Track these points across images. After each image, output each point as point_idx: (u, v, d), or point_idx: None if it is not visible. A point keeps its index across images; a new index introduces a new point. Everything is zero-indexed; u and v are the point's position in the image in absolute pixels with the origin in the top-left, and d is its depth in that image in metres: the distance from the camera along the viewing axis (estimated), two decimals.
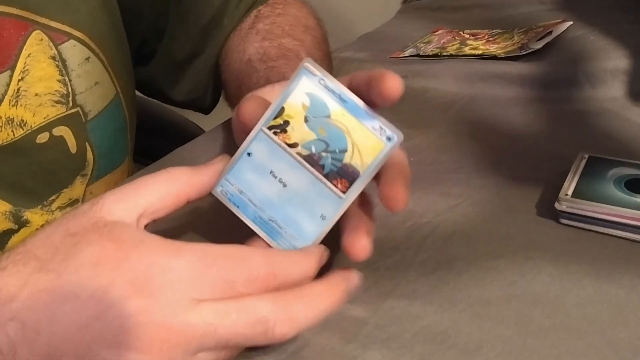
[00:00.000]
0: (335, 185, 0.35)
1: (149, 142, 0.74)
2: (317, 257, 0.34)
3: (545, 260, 0.40)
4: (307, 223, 0.35)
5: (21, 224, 0.53)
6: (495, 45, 0.72)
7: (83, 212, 0.33)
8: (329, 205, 0.35)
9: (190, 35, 0.63)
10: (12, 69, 0.48)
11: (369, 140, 0.35)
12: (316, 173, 0.35)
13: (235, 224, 0.36)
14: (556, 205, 0.42)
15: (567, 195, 0.42)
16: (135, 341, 0.29)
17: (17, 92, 0.49)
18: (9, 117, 0.49)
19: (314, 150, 0.35)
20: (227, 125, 0.60)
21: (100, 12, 0.54)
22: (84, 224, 0.32)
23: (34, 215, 0.53)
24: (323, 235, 0.35)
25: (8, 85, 0.48)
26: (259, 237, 0.36)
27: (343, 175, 0.35)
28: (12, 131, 0.49)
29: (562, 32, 0.71)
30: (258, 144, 0.36)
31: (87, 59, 0.53)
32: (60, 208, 0.55)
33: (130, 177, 0.57)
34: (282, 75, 0.50)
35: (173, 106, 0.72)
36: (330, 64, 0.61)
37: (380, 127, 0.35)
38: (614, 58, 0.63)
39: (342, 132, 0.35)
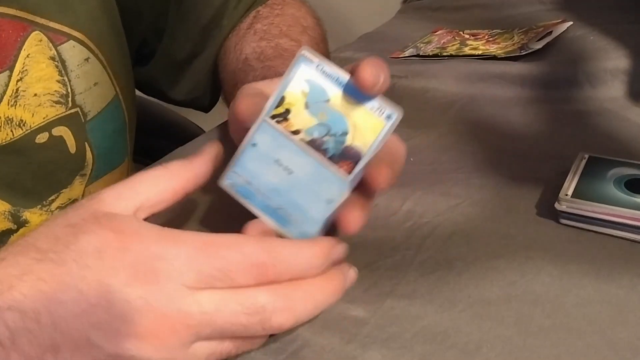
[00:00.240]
0: (339, 168, 0.36)
1: (149, 142, 0.74)
2: (322, 248, 0.33)
3: (545, 260, 0.40)
4: (314, 207, 0.36)
5: (20, 224, 0.53)
6: (495, 46, 0.72)
7: (82, 205, 0.33)
8: (335, 188, 0.36)
9: (190, 36, 0.63)
10: (11, 69, 0.48)
11: (369, 120, 0.35)
12: (320, 157, 0.36)
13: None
14: (556, 205, 0.42)
15: (567, 195, 0.42)
16: (134, 329, 0.29)
17: (16, 92, 0.49)
18: (8, 117, 0.49)
19: (316, 135, 0.36)
20: (227, 125, 0.60)
21: (99, 12, 0.54)
22: (83, 215, 0.32)
23: (33, 215, 0.53)
24: (331, 219, 0.36)
25: (7, 85, 0.48)
26: (257, 224, 0.36)
27: (346, 157, 0.36)
28: (12, 131, 0.49)
29: (562, 32, 0.71)
30: (262, 134, 0.36)
31: (87, 59, 0.53)
32: (59, 208, 0.55)
33: None
34: (278, 74, 0.51)
35: (173, 105, 0.73)
36: None
37: (380, 106, 0.35)
38: (614, 58, 0.63)
39: (342, 115, 0.36)
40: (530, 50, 0.67)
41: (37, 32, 0.49)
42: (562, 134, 0.54)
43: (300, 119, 0.36)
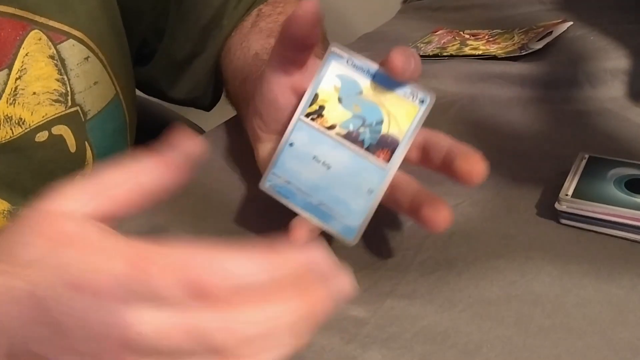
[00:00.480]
0: (377, 157, 0.36)
1: (149, 142, 0.74)
2: (266, 255, 0.28)
3: (545, 260, 0.40)
4: (356, 200, 0.36)
5: None
6: (496, 46, 0.71)
7: (33, 209, 0.31)
8: (374, 177, 0.36)
9: (190, 35, 0.63)
10: (10, 68, 0.48)
11: (403, 106, 0.36)
12: (357, 149, 0.36)
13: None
14: (556, 205, 0.42)
15: (567, 195, 0.42)
16: (68, 343, 0.28)
17: (15, 90, 0.49)
18: (7, 115, 0.49)
19: (352, 127, 0.36)
20: (227, 125, 0.60)
21: (99, 12, 0.54)
22: (29, 222, 0.31)
23: None
24: (374, 209, 0.36)
25: (5, 83, 0.48)
26: (301, 222, 0.36)
27: (383, 146, 0.36)
28: (11, 129, 0.49)
29: (562, 32, 0.71)
30: (298, 133, 0.37)
31: (87, 58, 0.53)
32: None
33: None
34: None
35: (173, 105, 0.72)
36: None
37: (412, 92, 0.36)
38: (614, 58, 0.63)
39: (376, 104, 0.36)
40: (530, 50, 0.67)
41: (36, 30, 0.49)
42: (562, 134, 0.54)
43: (335, 113, 0.36)
